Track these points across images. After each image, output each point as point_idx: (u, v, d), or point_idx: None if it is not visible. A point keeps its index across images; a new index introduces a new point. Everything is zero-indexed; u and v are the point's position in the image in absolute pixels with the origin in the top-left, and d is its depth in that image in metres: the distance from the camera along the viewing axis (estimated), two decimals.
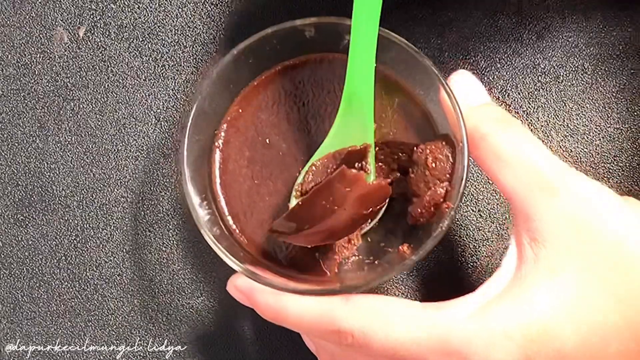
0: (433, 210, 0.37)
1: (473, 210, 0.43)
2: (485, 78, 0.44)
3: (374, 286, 0.35)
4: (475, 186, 0.43)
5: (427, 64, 0.36)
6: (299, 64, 0.40)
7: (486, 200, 0.43)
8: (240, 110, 0.40)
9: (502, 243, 0.43)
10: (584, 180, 0.33)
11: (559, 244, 0.32)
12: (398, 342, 0.31)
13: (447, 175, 0.37)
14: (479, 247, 0.43)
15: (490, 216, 0.43)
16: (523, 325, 0.31)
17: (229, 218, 0.39)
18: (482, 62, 0.44)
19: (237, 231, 0.39)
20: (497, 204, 0.43)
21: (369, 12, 0.35)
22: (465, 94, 0.37)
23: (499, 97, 0.44)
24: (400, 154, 0.39)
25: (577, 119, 0.44)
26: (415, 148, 0.38)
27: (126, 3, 0.45)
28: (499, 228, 0.43)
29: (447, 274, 0.43)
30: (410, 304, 0.33)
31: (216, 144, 0.40)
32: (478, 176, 0.43)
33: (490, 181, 0.42)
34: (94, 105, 0.45)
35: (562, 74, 0.44)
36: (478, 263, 0.43)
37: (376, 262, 0.39)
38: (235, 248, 0.38)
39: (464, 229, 0.43)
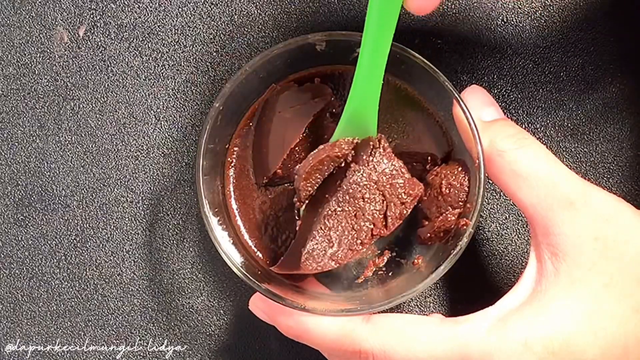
0: (442, 235, 0.37)
1: None
2: (485, 78, 0.44)
3: (395, 305, 0.35)
4: None
5: (442, 80, 0.36)
6: (308, 76, 0.40)
7: (486, 200, 0.43)
8: (251, 124, 0.40)
9: (502, 243, 0.43)
10: (603, 195, 0.33)
11: (581, 259, 0.32)
12: None
13: (460, 203, 0.37)
14: (480, 247, 0.43)
15: (490, 216, 0.43)
16: (544, 338, 0.31)
17: (245, 234, 0.39)
18: (482, 62, 0.44)
19: (253, 247, 0.39)
20: (497, 204, 0.43)
21: (382, 28, 0.34)
22: (479, 110, 0.37)
23: (499, 97, 0.44)
24: (414, 164, 0.39)
25: (577, 119, 0.44)
26: (429, 169, 0.38)
27: (126, 3, 0.45)
28: (499, 228, 0.43)
29: (447, 276, 0.43)
30: (428, 321, 0.33)
31: (229, 159, 0.40)
32: None
33: (489, 182, 0.42)
34: (94, 105, 0.45)
35: (562, 74, 0.44)
36: (479, 263, 0.43)
37: (390, 274, 0.39)
38: (252, 266, 0.38)
39: None
